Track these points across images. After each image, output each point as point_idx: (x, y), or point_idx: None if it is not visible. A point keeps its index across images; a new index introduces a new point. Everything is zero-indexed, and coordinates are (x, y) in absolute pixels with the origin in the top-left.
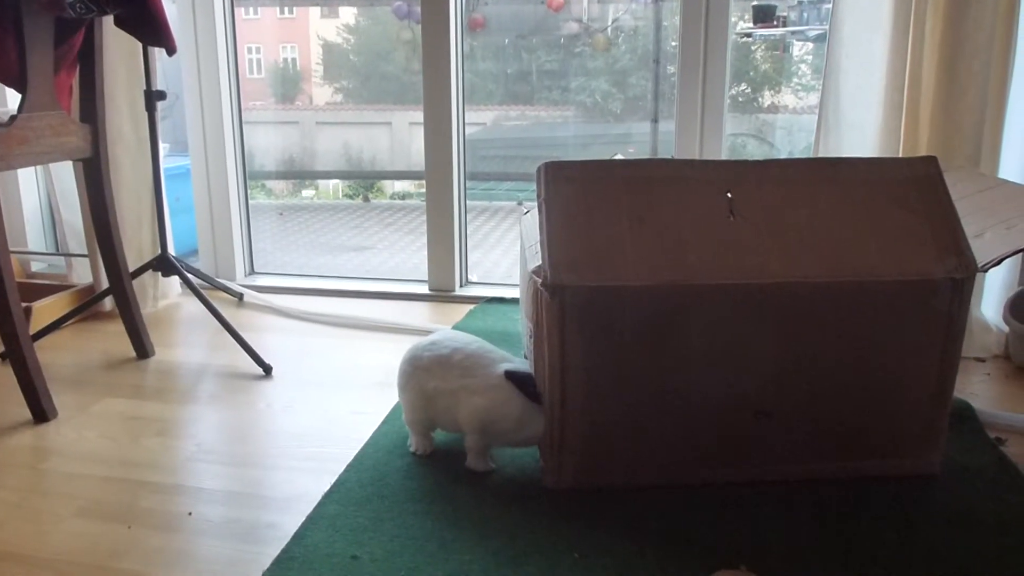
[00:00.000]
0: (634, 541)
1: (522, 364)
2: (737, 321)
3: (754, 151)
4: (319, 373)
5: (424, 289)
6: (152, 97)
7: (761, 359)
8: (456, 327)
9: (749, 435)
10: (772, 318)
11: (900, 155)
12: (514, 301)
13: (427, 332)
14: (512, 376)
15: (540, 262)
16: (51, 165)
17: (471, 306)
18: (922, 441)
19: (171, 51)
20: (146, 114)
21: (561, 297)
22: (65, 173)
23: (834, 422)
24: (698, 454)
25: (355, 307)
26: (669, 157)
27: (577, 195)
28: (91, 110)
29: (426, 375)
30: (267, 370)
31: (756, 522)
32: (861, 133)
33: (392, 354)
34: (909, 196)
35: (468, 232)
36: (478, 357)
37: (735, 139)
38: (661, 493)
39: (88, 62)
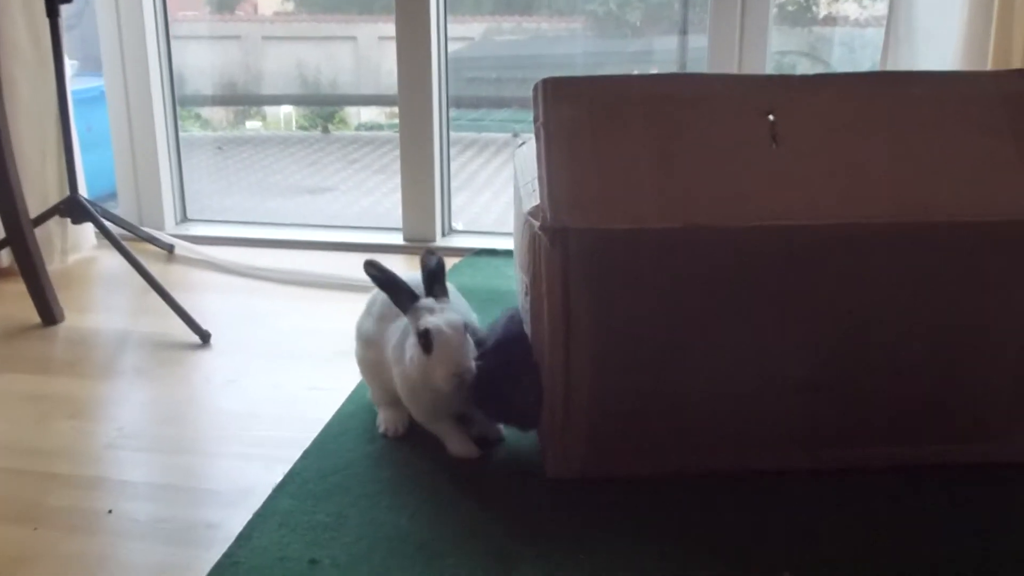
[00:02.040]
0: (652, 540)
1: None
2: (779, 273)
3: (806, 73)
4: (268, 341)
5: (398, 239)
6: (54, 0)
7: (808, 320)
8: None
9: (792, 414)
10: (824, 269)
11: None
12: (507, 253)
13: None
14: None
15: (538, 201)
16: None
17: (456, 259)
18: (1013, 422)
19: None
20: (47, 22)
21: (564, 243)
22: None
23: (898, 399)
24: (729, 436)
25: (312, 261)
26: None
27: (583, 118)
28: None
29: (363, 332)
30: (204, 338)
31: (802, 520)
32: (939, 45)
33: (357, 318)
34: (998, 118)
35: (452, 171)
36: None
37: (782, 57)
38: (684, 483)
39: None
